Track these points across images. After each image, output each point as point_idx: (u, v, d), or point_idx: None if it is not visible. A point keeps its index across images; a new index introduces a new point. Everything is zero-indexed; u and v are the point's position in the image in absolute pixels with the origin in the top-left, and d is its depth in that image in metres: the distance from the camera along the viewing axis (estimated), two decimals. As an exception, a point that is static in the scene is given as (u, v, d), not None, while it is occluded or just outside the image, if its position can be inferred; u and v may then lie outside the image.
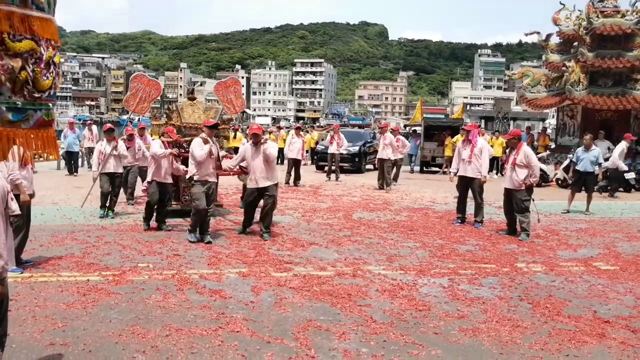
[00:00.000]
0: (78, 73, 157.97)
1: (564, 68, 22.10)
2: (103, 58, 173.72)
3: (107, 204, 11.38)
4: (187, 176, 9.47)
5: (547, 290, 7.08)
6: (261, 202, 9.84)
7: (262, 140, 9.58)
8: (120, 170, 11.77)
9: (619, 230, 11.41)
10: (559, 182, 18.83)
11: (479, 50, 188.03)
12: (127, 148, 12.40)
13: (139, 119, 26.79)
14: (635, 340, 5.44)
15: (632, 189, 18.17)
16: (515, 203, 10.31)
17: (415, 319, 5.90)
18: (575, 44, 22.41)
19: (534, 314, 6.15)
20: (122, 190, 12.64)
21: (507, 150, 11.14)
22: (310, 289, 6.81)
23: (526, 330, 5.63)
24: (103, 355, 4.78)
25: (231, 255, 8.46)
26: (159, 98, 13.21)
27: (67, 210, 11.93)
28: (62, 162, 20.38)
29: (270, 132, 25.82)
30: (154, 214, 10.33)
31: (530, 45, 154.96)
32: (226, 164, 10.37)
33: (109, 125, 12.28)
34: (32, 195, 7.67)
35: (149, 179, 10.25)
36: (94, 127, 21.37)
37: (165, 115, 12.16)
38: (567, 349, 5.19)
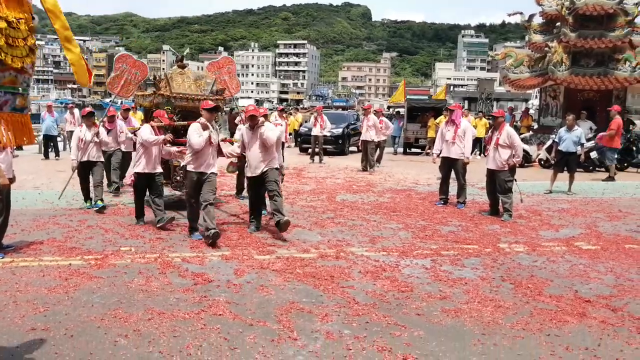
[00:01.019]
0: (59, 56, 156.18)
1: (546, 48, 22.12)
2: (84, 41, 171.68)
3: (95, 193, 10.54)
4: (182, 164, 8.46)
5: (529, 270, 7.13)
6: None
7: (259, 123, 8.67)
8: (102, 159, 10.89)
9: (600, 210, 11.51)
10: (542, 162, 18.96)
11: (462, 31, 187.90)
12: (108, 131, 11.72)
13: (121, 102, 26.49)
14: (615, 319, 5.50)
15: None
16: (499, 184, 10.35)
17: (397, 300, 5.92)
18: (558, 24, 22.38)
19: (516, 294, 6.19)
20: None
21: (489, 131, 11.16)
22: (293, 271, 6.81)
23: (508, 311, 5.67)
24: (85, 340, 4.75)
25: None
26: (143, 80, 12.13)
27: (49, 195, 11.82)
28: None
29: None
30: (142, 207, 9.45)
31: (513, 25, 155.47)
32: (227, 149, 9.37)
33: (87, 109, 11.45)
34: (11, 180, 7.57)
35: (136, 169, 9.17)
36: (76, 111, 21.11)
37: (153, 85, 11.00)
38: (549, 328, 5.24)
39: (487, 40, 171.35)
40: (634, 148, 18.88)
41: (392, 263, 7.30)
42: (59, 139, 20.48)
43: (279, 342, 4.81)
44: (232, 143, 10.07)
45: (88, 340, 4.74)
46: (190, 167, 8.25)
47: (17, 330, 4.93)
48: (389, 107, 42.08)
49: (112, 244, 8.00)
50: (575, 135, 13.53)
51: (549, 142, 18.09)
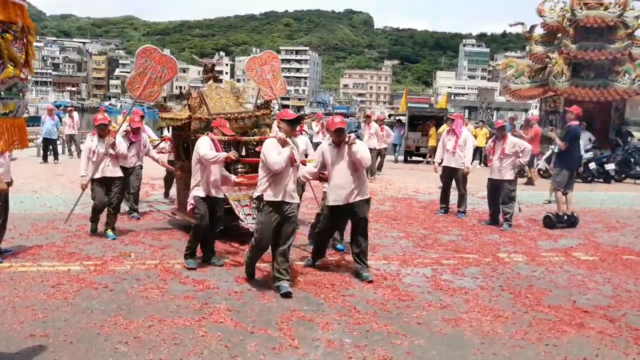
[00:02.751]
0: (58, 58, 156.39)
1: (547, 59, 22.21)
2: (84, 43, 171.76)
3: (107, 220, 8.76)
4: (255, 194, 6.46)
5: (528, 280, 7.15)
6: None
7: (349, 140, 6.79)
8: (119, 174, 8.90)
9: (598, 220, 11.53)
10: (541, 172, 18.97)
11: (464, 40, 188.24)
12: (131, 143, 9.93)
13: (121, 105, 26.37)
14: (612, 330, 5.52)
15: (612, 180, 18.35)
16: (503, 194, 10.35)
17: (398, 309, 5.93)
18: (559, 35, 22.48)
19: (515, 304, 6.21)
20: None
21: (491, 141, 11.20)
22: (294, 279, 6.80)
23: (507, 320, 5.69)
24: (84, 347, 4.75)
25: (215, 245, 8.40)
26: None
27: (48, 199, 11.80)
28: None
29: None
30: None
31: (515, 36, 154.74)
32: (301, 172, 7.06)
33: (100, 118, 8.98)
34: (9, 183, 7.52)
35: (197, 192, 7.24)
36: (75, 114, 21.05)
37: (186, 106, 8.85)
38: (547, 338, 5.26)
39: (488, 50, 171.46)
40: (632, 160, 18.94)
41: (392, 272, 7.31)
42: (57, 142, 20.42)
43: (280, 350, 4.82)
44: (304, 164, 8.02)
45: (87, 347, 4.74)
46: (267, 197, 6.30)
47: (16, 336, 4.93)
48: (389, 115, 42.07)
49: (112, 249, 7.99)
50: (575, 146, 13.54)
51: (548, 153, 18.12)
